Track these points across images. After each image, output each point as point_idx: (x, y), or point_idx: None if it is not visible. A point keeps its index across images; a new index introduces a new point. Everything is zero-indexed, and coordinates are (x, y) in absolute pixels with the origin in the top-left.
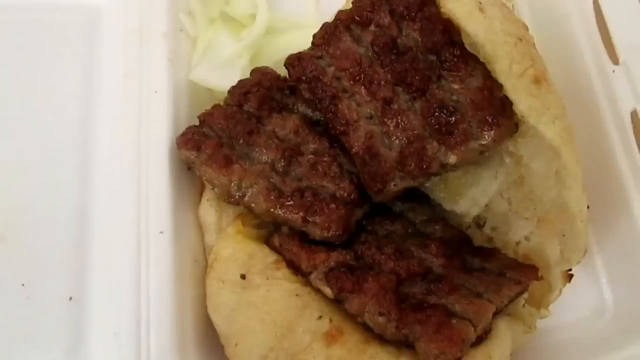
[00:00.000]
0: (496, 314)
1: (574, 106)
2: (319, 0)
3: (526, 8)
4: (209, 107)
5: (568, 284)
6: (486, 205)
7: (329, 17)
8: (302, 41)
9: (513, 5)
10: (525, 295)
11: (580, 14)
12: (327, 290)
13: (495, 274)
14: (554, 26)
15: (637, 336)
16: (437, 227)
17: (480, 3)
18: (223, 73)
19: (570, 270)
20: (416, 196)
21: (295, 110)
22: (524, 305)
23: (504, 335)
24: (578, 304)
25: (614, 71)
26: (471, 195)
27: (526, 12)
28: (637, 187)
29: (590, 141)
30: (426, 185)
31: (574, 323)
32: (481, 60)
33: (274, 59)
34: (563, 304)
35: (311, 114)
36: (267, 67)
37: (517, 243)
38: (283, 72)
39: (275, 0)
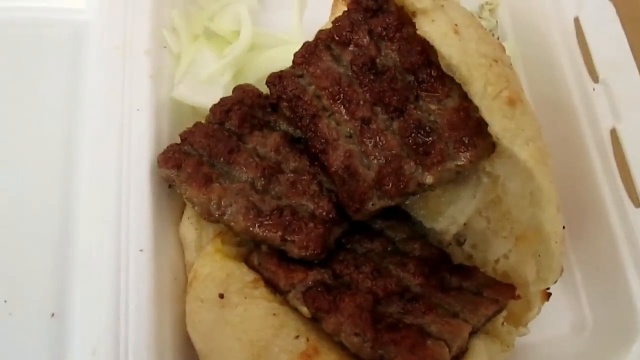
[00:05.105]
0: (473, 333)
1: (555, 124)
2: (302, 16)
3: (509, 25)
4: (192, 124)
5: (547, 302)
6: (465, 224)
7: (313, 33)
8: (285, 57)
9: (497, 22)
10: (504, 313)
11: (561, 31)
12: (304, 310)
13: (473, 292)
14: (536, 44)
15: (616, 353)
16: (415, 246)
17: (456, 25)
18: (206, 90)
19: (549, 288)
20: (397, 214)
21: (277, 128)
22: (502, 324)
23: (480, 354)
24: (558, 321)
25: (594, 89)
26: (450, 214)
27: (509, 29)
28: (616, 205)
29: (570, 159)
30: (407, 203)
31: (554, 340)
32: (457, 81)
33: (258, 75)
34: (543, 321)
35: (292, 131)
36: (249, 85)
37: (496, 261)
38: (266, 88)
39: (259, 16)
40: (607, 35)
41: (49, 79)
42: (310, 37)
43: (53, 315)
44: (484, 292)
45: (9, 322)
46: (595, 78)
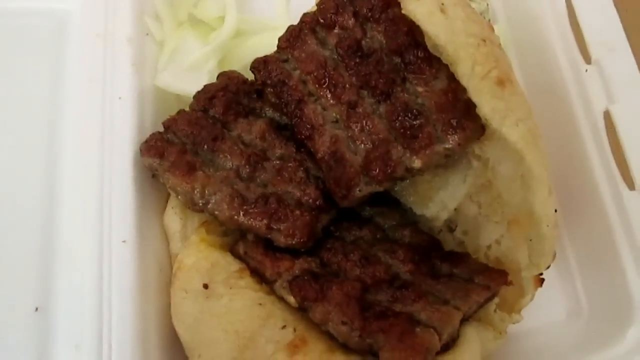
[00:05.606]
0: (465, 320)
1: (547, 105)
2: (289, 1)
3: (500, 8)
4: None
5: (540, 288)
6: (456, 209)
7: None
8: (272, 43)
9: (488, 4)
10: (497, 300)
11: (553, 12)
12: (291, 299)
13: (464, 279)
14: (528, 25)
15: (612, 340)
16: (405, 233)
17: (442, 4)
18: (190, 78)
19: (542, 274)
20: (387, 200)
21: (263, 115)
22: (495, 311)
23: (472, 342)
24: (552, 307)
25: (586, 70)
26: (440, 199)
27: (500, 11)
28: (610, 188)
29: (563, 141)
30: (396, 189)
31: (549, 327)
32: (445, 62)
33: (244, 61)
34: (537, 308)
35: (278, 118)
36: (233, 71)
37: (488, 247)
38: (252, 75)
39: (244, 2)
40: (600, 15)
41: (31, 67)
42: (297, 22)
43: (37, 309)
44: (476, 278)
45: None
46: (587, 59)
